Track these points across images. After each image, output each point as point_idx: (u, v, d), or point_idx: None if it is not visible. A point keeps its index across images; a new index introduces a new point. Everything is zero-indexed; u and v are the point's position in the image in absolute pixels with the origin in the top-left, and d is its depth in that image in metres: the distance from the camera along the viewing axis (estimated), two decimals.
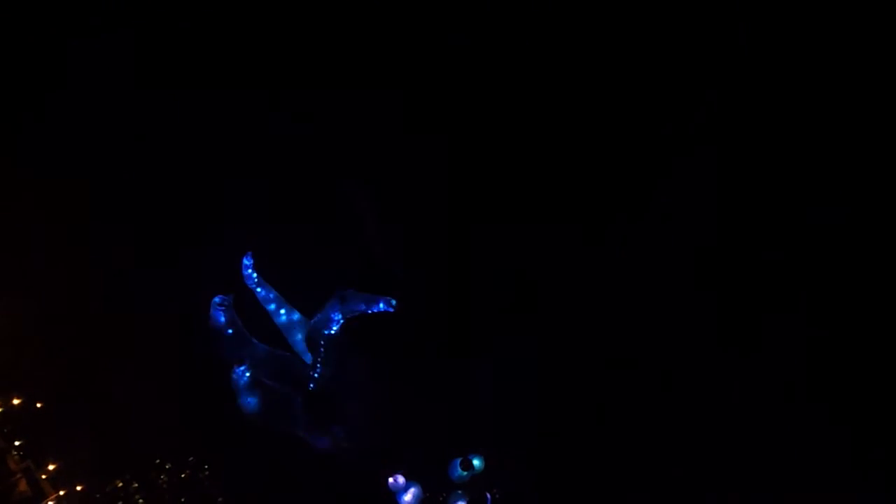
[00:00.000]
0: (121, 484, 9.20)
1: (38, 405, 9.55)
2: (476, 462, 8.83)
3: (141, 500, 9.13)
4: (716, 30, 8.98)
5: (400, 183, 9.91)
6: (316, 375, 9.50)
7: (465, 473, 8.77)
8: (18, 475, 9.09)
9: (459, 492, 8.81)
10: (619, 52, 9.33)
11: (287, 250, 10.36)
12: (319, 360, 9.48)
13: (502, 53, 9.55)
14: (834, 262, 8.88)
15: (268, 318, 10.01)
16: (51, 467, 9.20)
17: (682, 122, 9.10)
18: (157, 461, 9.30)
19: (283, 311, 9.97)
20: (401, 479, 8.70)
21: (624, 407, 9.17)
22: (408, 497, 8.66)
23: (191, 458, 9.29)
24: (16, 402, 9.46)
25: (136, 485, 9.20)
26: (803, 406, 8.81)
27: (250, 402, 9.37)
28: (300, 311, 10.09)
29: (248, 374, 9.29)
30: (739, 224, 9.23)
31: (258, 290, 10.06)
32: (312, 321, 9.73)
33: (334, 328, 9.43)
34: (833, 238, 8.83)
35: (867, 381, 8.72)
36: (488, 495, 8.81)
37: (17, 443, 9.28)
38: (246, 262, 10.11)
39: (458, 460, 8.78)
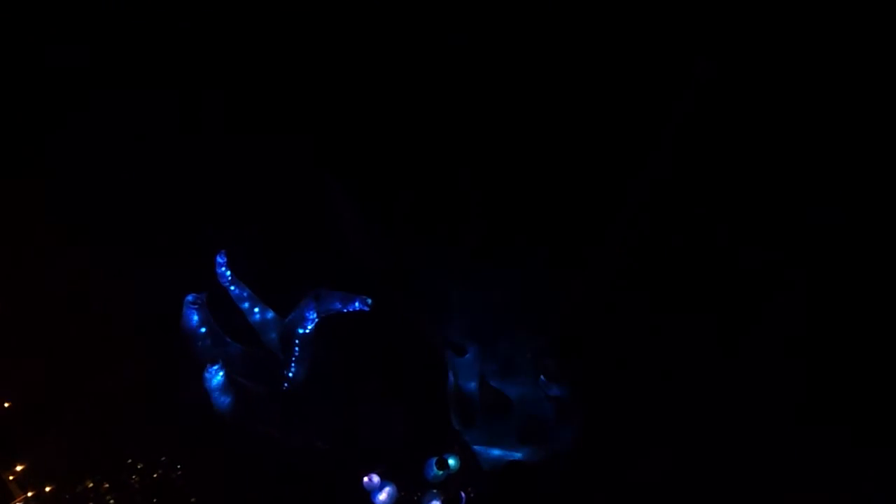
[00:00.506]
0: (91, 484, 9.03)
1: (6, 405, 9.40)
2: (451, 461, 8.81)
3: (112, 501, 8.99)
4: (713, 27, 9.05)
5: (378, 180, 9.88)
6: (290, 374, 9.45)
7: (440, 473, 8.75)
8: None
9: (434, 491, 8.79)
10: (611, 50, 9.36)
11: (261, 248, 10.30)
12: (294, 358, 9.44)
13: (498, 53, 9.56)
14: (830, 261, 8.96)
15: (242, 316, 9.96)
16: (18, 468, 9.05)
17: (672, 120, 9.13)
18: (129, 461, 9.17)
19: (257, 310, 9.89)
20: (375, 479, 8.66)
21: (605, 406, 9.19)
22: (382, 496, 8.61)
23: (163, 458, 9.17)
24: None
25: (107, 485, 9.04)
26: (801, 405, 8.88)
27: (224, 401, 9.28)
28: (274, 309, 10.03)
29: (221, 374, 9.18)
30: (733, 223, 9.32)
31: (232, 288, 9.97)
32: (287, 320, 9.68)
33: (309, 327, 9.40)
34: (829, 238, 8.91)
35: (864, 380, 8.82)
36: (463, 494, 8.82)
37: None
38: (219, 259, 10.02)
39: (434, 460, 8.78)
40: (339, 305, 9.29)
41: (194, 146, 10.12)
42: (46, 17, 9.80)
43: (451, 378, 9.23)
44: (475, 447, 9.13)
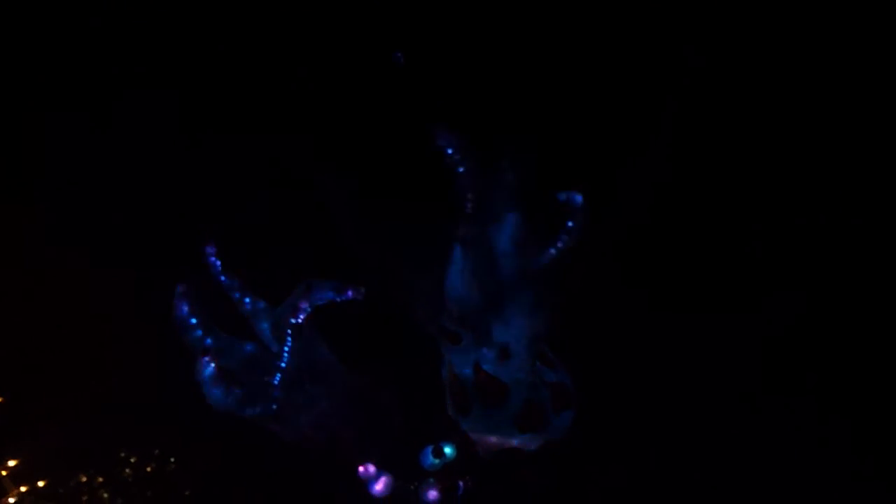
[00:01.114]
0: (85, 479, 9.02)
1: None
2: (448, 450, 8.78)
3: (106, 495, 8.97)
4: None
5: (373, 172, 9.81)
6: (283, 365, 9.36)
7: (436, 461, 8.76)
8: None
9: (431, 480, 8.79)
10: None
11: (252, 236, 10.23)
12: (286, 349, 9.35)
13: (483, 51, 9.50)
14: (831, 259, 8.98)
15: (232, 306, 9.86)
16: (11, 463, 9.00)
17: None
18: (122, 455, 9.15)
19: (247, 300, 9.76)
20: (371, 468, 8.66)
21: (602, 394, 9.17)
22: (379, 486, 8.61)
23: (156, 451, 9.15)
24: None
25: (101, 479, 9.04)
26: (799, 403, 8.93)
27: (216, 393, 9.18)
28: (266, 299, 9.94)
29: (212, 365, 9.10)
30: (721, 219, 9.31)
31: (222, 278, 9.86)
32: (278, 310, 9.60)
33: (301, 317, 9.31)
34: (830, 236, 8.93)
35: (865, 381, 8.85)
36: (461, 483, 8.83)
37: None
38: (209, 249, 9.92)
39: (430, 448, 8.78)
40: (331, 295, 9.19)
41: (184, 137, 10.04)
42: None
43: (447, 365, 9.20)
44: (472, 435, 9.10)
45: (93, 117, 9.88)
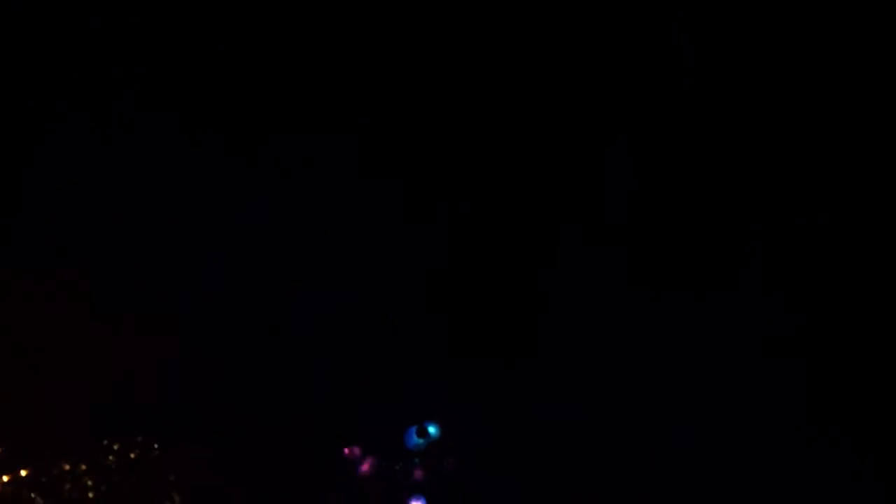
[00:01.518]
0: (68, 467, 8.92)
1: None
2: (432, 430, 8.79)
3: (90, 482, 8.86)
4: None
5: (373, 173, 9.86)
6: None
7: (421, 441, 8.70)
8: None
9: (416, 460, 8.73)
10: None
11: (242, 235, 10.22)
12: None
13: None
14: (832, 257, 8.95)
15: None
16: None
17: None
18: (105, 442, 9.03)
19: None
20: (357, 450, 8.61)
21: (596, 397, 9.07)
22: (364, 467, 8.58)
23: (139, 438, 9.03)
24: None
25: (84, 467, 8.92)
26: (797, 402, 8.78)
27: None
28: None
29: None
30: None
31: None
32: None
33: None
34: (830, 233, 8.93)
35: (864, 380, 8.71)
36: (445, 463, 8.73)
37: None
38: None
39: (414, 428, 8.73)
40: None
41: (184, 137, 10.11)
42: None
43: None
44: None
45: (92, 118, 9.96)
